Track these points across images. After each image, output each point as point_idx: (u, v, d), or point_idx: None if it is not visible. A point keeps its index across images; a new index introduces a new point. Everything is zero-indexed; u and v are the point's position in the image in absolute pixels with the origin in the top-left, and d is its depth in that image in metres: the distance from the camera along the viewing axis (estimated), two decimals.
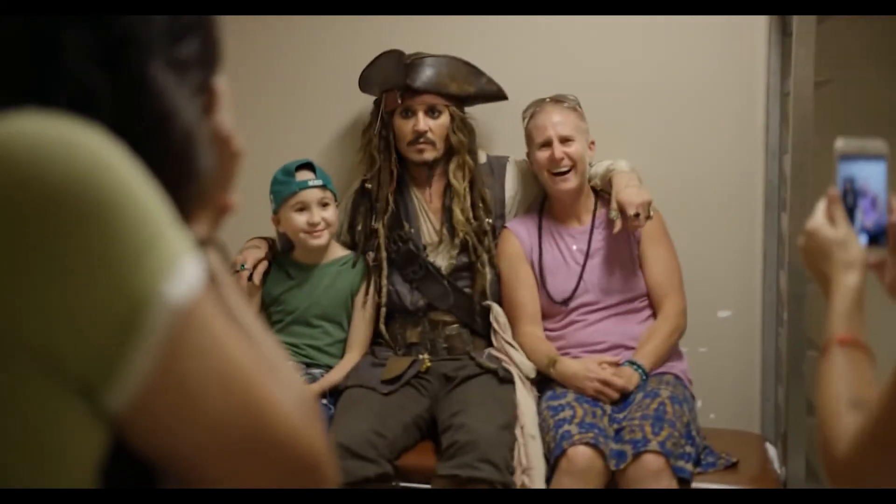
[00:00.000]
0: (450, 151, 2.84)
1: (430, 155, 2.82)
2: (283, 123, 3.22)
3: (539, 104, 2.81)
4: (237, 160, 0.87)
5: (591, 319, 2.77)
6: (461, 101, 2.87)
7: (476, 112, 2.96)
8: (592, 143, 2.81)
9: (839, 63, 2.88)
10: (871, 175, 1.26)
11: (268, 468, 0.65)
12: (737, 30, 2.98)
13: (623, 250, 2.77)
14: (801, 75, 2.39)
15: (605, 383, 2.57)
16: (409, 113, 2.81)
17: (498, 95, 2.92)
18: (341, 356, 2.84)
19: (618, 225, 2.67)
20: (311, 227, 2.79)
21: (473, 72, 2.87)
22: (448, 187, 2.85)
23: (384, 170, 2.85)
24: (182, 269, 0.61)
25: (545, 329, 2.82)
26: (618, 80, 3.04)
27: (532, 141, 2.80)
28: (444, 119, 2.82)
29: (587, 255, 2.79)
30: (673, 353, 2.75)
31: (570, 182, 2.76)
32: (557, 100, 2.79)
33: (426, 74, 2.80)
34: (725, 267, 3.06)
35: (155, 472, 0.65)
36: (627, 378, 2.60)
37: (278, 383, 0.68)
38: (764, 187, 2.99)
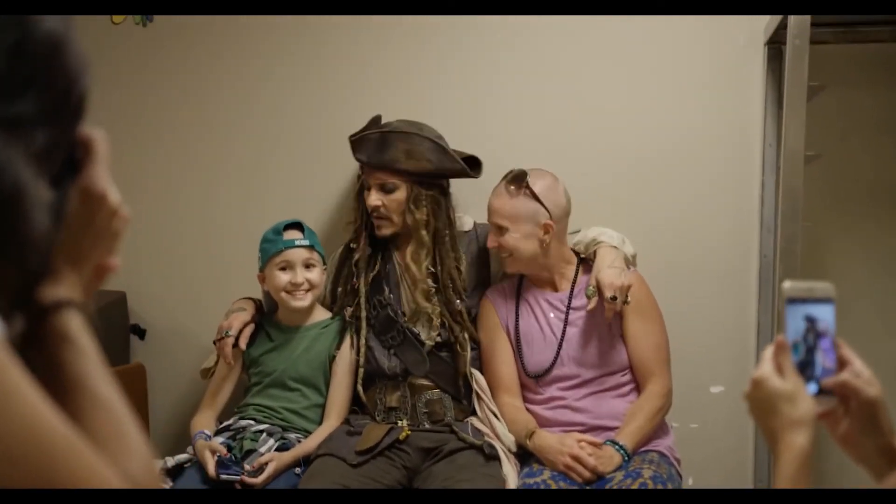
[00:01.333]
0: (407, 233, 2.79)
1: (386, 230, 2.78)
2: (279, 181, 3.21)
3: (500, 182, 2.72)
4: (116, 219, 0.84)
5: (570, 397, 2.68)
6: (419, 176, 2.75)
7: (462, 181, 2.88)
8: (548, 224, 2.63)
9: (832, 137, 2.85)
10: (821, 319, 1.21)
11: None
12: (733, 101, 2.95)
13: (604, 322, 2.66)
14: (791, 147, 2.35)
15: (577, 459, 2.47)
16: (368, 187, 2.78)
17: (461, 173, 2.79)
18: (320, 421, 2.78)
19: (591, 303, 2.61)
20: (294, 287, 2.76)
21: (435, 148, 2.74)
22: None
23: (361, 235, 2.83)
24: None
25: (526, 401, 2.74)
26: (610, 149, 3.02)
27: None
28: (400, 195, 2.74)
29: (565, 325, 2.71)
30: (658, 429, 2.67)
31: (512, 266, 2.73)
32: (509, 181, 2.66)
33: (377, 150, 2.73)
34: (718, 342, 3.00)
35: None
36: (608, 459, 2.50)
37: (104, 455, 0.66)
38: (759, 261, 2.94)
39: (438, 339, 2.76)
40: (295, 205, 3.10)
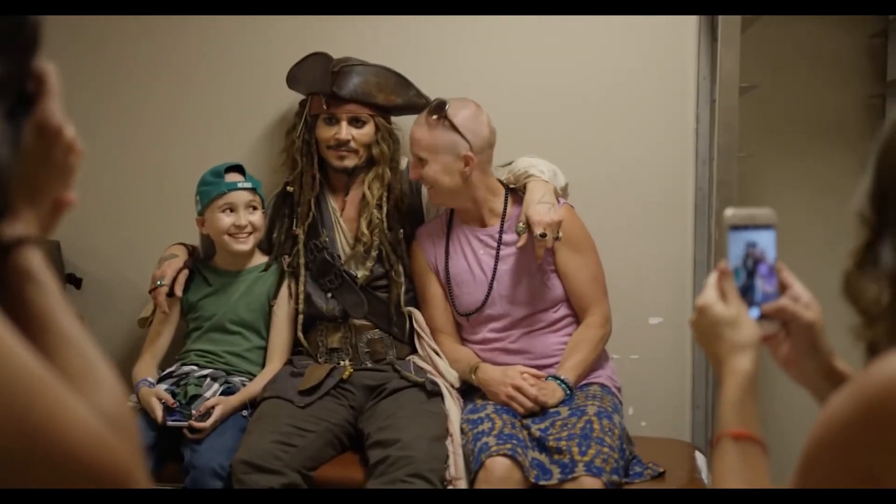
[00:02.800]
0: (370, 161, 2.79)
1: (350, 162, 2.77)
2: (209, 123, 3.15)
3: (421, 113, 2.69)
4: (71, 153, 0.82)
5: (505, 339, 2.69)
6: (387, 110, 2.81)
7: (400, 119, 2.89)
8: (467, 157, 2.58)
9: (768, 68, 2.88)
10: (763, 245, 1.23)
11: (58, 478, 0.62)
12: (667, 34, 2.95)
13: (535, 258, 2.61)
14: (726, 81, 2.38)
15: (519, 390, 2.50)
16: (332, 120, 2.75)
17: (424, 108, 2.78)
18: (262, 364, 2.78)
19: (522, 240, 2.58)
20: (238, 230, 2.74)
21: (402, 83, 2.79)
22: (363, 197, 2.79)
23: (306, 174, 2.79)
24: None
25: (464, 340, 2.77)
26: (547, 83, 3.01)
27: None
28: (369, 129, 2.76)
29: (496, 262, 2.68)
30: (599, 358, 2.71)
31: (436, 198, 2.71)
32: (429, 111, 2.63)
33: (353, 83, 2.73)
34: (656, 273, 3.03)
35: None
36: (550, 393, 2.54)
37: (77, 392, 0.65)
38: (694, 193, 2.97)
39: (371, 272, 2.76)
40: (230, 148, 3.05)
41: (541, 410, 2.52)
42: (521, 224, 2.59)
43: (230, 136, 3.12)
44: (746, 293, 1.22)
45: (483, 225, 2.73)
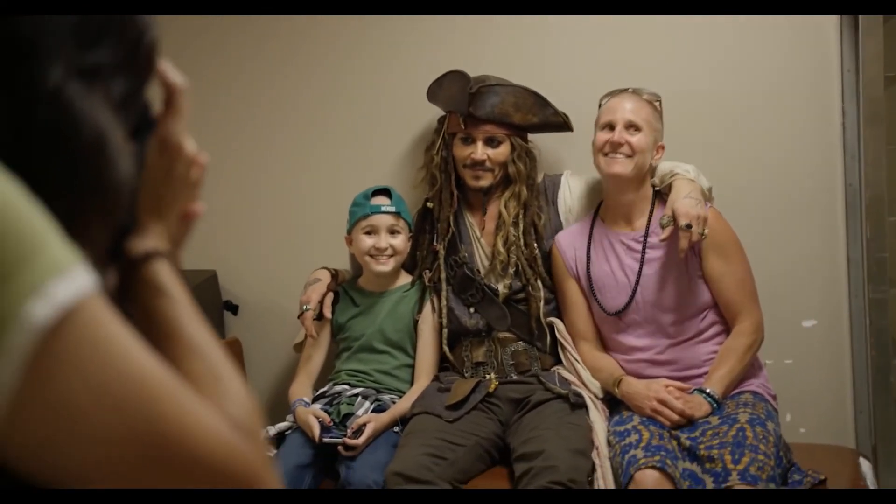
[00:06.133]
0: (506, 179, 2.81)
1: (485, 182, 2.80)
2: (351, 142, 3.24)
3: (617, 91, 2.68)
4: (195, 168, 0.86)
5: (651, 348, 2.62)
6: (524, 129, 2.83)
7: (538, 136, 2.92)
8: (661, 146, 2.65)
9: None
10: None
11: (187, 483, 0.65)
12: (807, 29, 2.87)
13: (681, 262, 2.57)
14: (869, 74, 2.29)
15: (664, 403, 2.45)
16: (469, 140, 2.79)
17: (563, 126, 2.85)
18: (410, 381, 2.83)
19: (665, 233, 2.52)
20: (377, 252, 2.81)
21: (539, 102, 2.79)
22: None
23: (444, 190, 2.84)
24: (53, 287, 0.60)
25: (608, 350, 2.73)
26: (687, 87, 2.96)
27: (597, 123, 2.68)
28: (505, 148, 2.79)
29: (641, 265, 2.63)
30: (750, 366, 2.61)
31: (623, 166, 2.58)
32: (636, 91, 2.65)
33: (490, 104, 2.75)
34: (808, 274, 2.93)
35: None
36: (697, 406, 2.47)
37: (205, 399, 0.67)
38: (844, 190, 2.86)
39: (510, 288, 2.77)
40: (371, 167, 3.15)
41: (688, 422, 2.46)
42: (665, 217, 2.54)
43: (372, 154, 3.21)
44: None
45: (629, 227, 2.69)
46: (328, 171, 3.26)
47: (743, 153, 2.96)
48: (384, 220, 2.82)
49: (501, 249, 2.76)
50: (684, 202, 2.52)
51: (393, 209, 2.84)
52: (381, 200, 2.85)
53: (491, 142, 2.78)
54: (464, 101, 2.75)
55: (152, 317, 0.78)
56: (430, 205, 2.88)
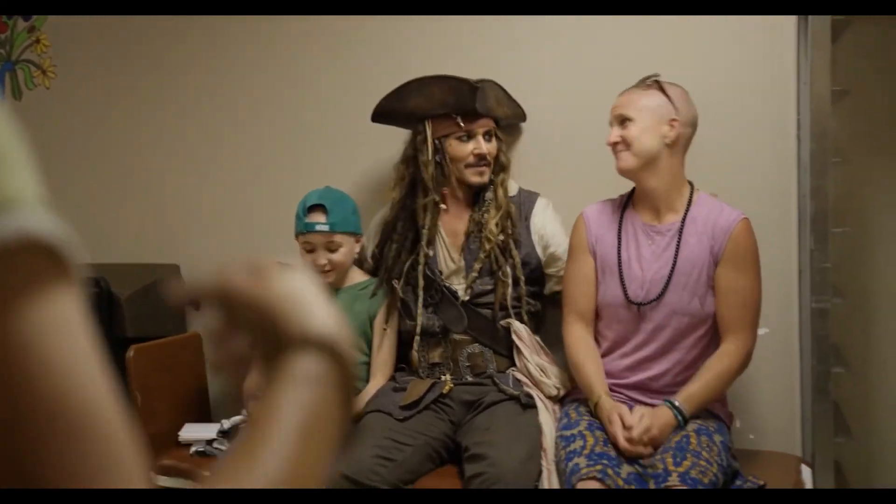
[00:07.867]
0: (495, 171, 2.87)
1: (487, 176, 2.84)
2: (317, 146, 3.27)
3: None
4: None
5: (649, 346, 2.58)
6: (501, 121, 2.93)
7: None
8: (674, 120, 2.51)
9: (862, 74, 2.80)
10: None
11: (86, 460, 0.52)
12: (764, 40, 2.90)
13: (697, 266, 2.51)
14: (817, 88, 2.33)
15: (631, 441, 2.37)
16: (467, 137, 2.81)
17: (522, 116, 3.00)
18: (365, 379, 2.86)
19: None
20: (317, 268, 2.79)
21: (506, 94, 2.93)
22: (472, 214, 2.84)
23: (431, 200, 2.83)
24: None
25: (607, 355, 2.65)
26: None
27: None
28: (495, 141, 2.87)
29: (675, 260, 2.54)
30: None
31: (625, 161, 2.54)
32: (642, 80, 2.59)
33: (489, 98, 2.84)
34: (763, 284, 2.96)
35: None
36: (664, 424, 2.40)
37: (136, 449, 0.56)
38: (797, 201, 2.90)
39: (471, 291, 2.80)
40: (336, 172, 3.16)
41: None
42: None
43: (336, 148, 3.24)
44: None
45: (654, 218, 2.61)
46: (290, 166, 3.28)
47: (698, 163, 2.97)
48: (319, 239, 2.81)
49: (493, 228, 2.78)
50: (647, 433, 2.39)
51: (326, 228, 2.80)
52: (316, 217, 2.81)
53: (486, 135, 2.84)
54: (470, 99, 2.79)
55: (271, 399, 0.71)
56: (426, 207, 2.83)
